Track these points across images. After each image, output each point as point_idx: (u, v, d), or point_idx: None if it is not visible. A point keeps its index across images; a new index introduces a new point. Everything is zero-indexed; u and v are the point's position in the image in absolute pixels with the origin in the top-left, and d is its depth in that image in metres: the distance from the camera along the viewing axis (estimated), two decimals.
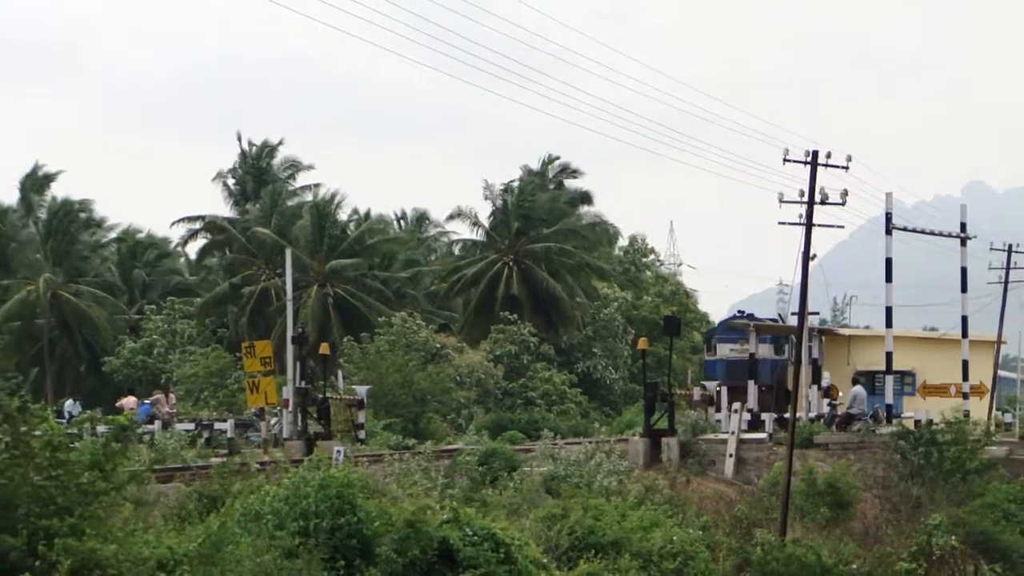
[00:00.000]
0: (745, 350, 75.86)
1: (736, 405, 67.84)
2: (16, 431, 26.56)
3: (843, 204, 53.16)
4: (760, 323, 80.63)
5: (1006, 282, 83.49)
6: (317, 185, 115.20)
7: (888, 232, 73.29)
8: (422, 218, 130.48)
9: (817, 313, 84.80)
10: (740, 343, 77.55)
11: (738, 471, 60.22)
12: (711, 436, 64.36)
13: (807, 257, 53.30)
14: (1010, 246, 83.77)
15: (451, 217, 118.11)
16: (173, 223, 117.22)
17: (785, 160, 52.70)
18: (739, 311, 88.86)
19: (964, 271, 77.78)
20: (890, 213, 72.90)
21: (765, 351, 77.10)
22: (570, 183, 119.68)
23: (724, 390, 71.57)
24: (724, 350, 78.90)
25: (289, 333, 69.27)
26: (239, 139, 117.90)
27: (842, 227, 55.55)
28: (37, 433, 27.09)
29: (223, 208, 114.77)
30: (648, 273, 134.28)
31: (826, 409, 70.37)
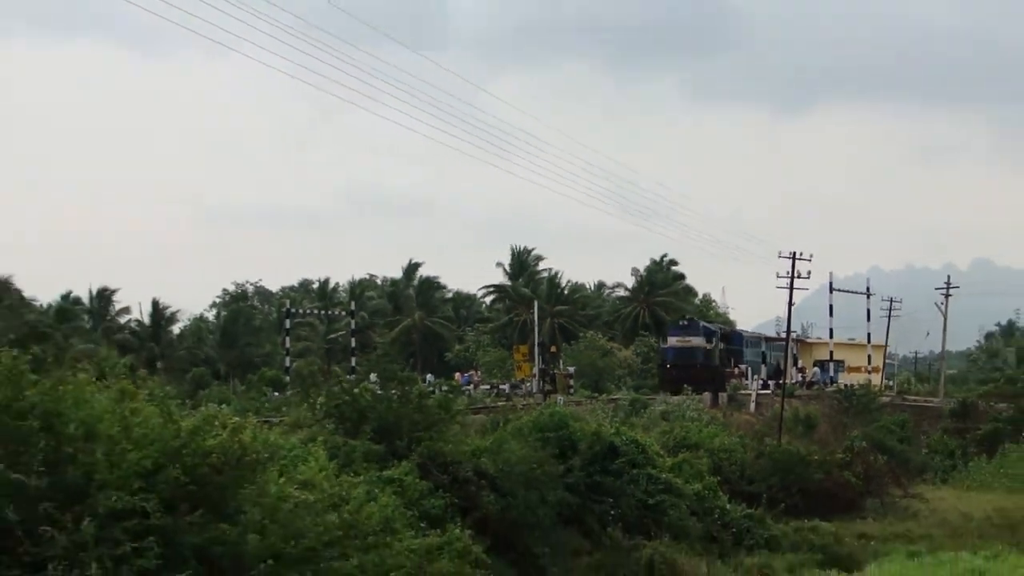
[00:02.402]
0: (687, 342, 66.54)
1: (756, 376, 66.91)
2: (403, 388, 27.09)
3: (808, 277, 52.38)
4: (707, 325, 73.55)
5: (889, 318, 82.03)
6: (549, 267, 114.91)
7: (831, 291, 72.63)
8: (600, 284, 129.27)
9: (796, 332, 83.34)
10: (682, 336, 67.52)
11: (757, 409, 59.28)
12: (744, 392, 63.34)
13: (791, 303, 52.84)
14: (891, 299, 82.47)
15: (616, 285, 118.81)
16: (479, 288, 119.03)
17: (779, 255, 52.33)
18: (686, 316, 79.82)
19: (868, 311, 77.65)
20: (832, 281, 72.24)
21: (700, 343, 66.70)
22: (674, 268, 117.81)
23: (749, 369, 70.22)
24: (673, 341, 68.32)
25: (536, 341, 69.71)
26: (515, 249, 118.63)
27: (807, 289, 54.54)
28: (414, 389, 27.64)
29: (503, 279, 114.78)
30: (712, 312, 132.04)
31: (800, 378, 69.30)
